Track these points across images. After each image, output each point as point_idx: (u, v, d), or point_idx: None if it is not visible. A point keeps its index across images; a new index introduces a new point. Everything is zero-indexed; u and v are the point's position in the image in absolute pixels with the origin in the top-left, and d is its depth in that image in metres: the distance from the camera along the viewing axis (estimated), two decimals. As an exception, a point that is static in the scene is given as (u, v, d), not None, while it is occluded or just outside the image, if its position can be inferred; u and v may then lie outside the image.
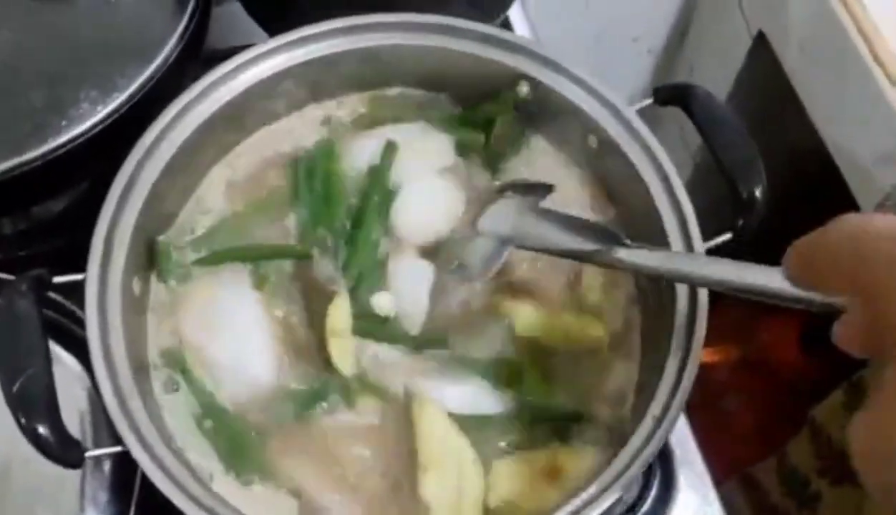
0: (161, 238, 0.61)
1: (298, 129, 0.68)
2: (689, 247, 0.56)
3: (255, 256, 0.62)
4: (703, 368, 0.53)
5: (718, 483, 0.67)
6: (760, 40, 1.00)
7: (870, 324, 0.31)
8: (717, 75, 1.11)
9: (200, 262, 0.62)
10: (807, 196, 0.89)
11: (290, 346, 0.59)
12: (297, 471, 0.56)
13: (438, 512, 0.54)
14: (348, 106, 0.68)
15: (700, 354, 0.52)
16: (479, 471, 0.56)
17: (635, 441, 0.51)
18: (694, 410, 0.66)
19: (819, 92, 0.90)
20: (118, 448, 0.50)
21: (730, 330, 1.01)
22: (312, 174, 0.65)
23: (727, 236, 0.57)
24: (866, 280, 0.30)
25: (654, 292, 0.59)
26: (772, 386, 1.03)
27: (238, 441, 0.56)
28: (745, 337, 1.03)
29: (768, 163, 0.58)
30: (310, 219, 0.63)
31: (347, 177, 0.65)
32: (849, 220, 0.32)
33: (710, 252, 0.56)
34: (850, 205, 0.86)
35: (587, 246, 0.53)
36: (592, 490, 0.49)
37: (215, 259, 0.62)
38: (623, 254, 0.51)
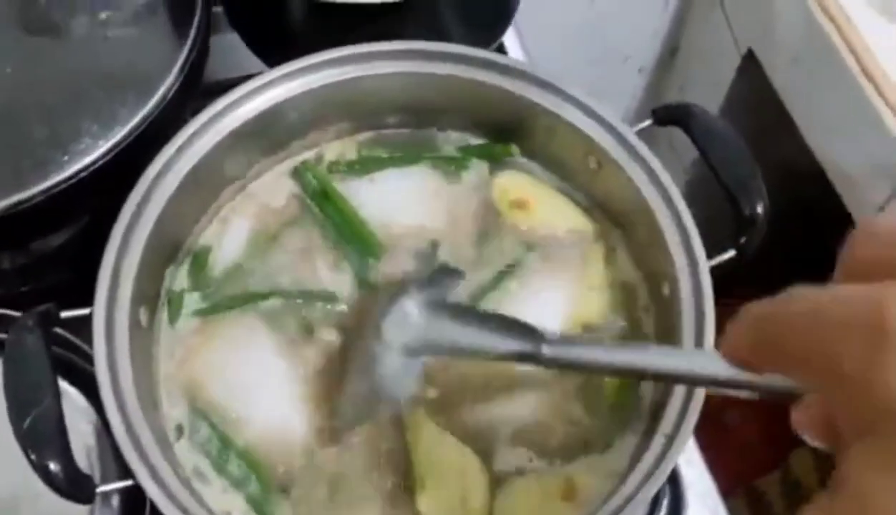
0: (175, 287, 0.62)
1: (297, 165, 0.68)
2: (694, 265, 0.56)
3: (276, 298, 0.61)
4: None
5: (724, 497, 0.67)
6: (750, 58, 1.02)
7: (830, 411, 0.27)
8: (707, 93, 1.12)
9: (212, 310, 0.61)
10: (801, 211, 0.90)
11: (312, 391, 0.58)
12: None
13: None
14: (347, 142, 0.68)
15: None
16: (483, 481, 0.55)
17: (646, 460, 0.51)
18: (697, 425, 0.66)
19: (809, 107, 0.92)
20: (128, 482, 0.50)
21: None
22: (340, 224, 0.64)
23: (731, 253, 0.57)
24: (827, 361, 0.26)
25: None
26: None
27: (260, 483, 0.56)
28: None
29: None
30: (359, 267, 0.63)
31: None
32: (806, 292, 0.27)
33: (715, 269, 0.56)
34: (845, 218, 0.87)
35: (508, 346, 0.49)
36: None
37: (228, 304, 0.61)
38: (549, 350, 0.47)
